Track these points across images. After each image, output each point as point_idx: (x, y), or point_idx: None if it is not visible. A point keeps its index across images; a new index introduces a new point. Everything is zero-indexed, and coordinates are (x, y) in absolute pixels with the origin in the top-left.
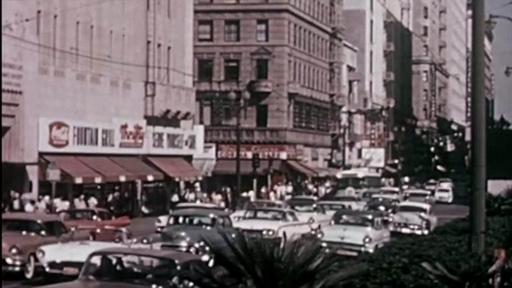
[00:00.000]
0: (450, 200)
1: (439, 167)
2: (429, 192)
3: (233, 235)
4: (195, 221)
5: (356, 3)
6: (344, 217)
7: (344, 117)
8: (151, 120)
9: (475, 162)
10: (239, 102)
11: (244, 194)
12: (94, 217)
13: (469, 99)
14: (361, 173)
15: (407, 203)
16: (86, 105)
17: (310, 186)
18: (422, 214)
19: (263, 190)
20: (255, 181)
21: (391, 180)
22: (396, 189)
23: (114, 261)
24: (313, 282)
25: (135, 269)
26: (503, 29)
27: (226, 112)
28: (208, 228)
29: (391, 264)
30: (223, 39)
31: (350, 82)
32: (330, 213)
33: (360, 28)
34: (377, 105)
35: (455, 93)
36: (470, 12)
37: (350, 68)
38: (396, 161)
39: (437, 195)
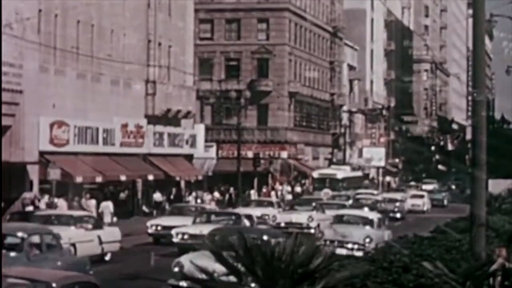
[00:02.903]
0: (425, 208)
1: (439, 166)
2: (399, 197)
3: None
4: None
5: (357, 2)
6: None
7: (344, 116)
8: (152, 119)
9: (475, 161)
10: (239, 101)
11: (247, 193)
12: None
13: (469, 98)
14: (340, 173)
15: (345, 211)
16: (87, 104)
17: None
18: (367, 227)
19: (264, 189)
20: (255, 180)
21: (396, 179)
22: (376, 191)
23: None
24: (314, 282)
25: None
26: (503, 28)
27: (227, 111)
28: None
29: (392, 263)
30: (224, 38)
31: (351, 81)
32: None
33: (361, 27)
34: (378, 104)
35: (455, 92)
36: (471, 11)
37: (350, 67)
38: (397, 160)
39: (409, 202)
